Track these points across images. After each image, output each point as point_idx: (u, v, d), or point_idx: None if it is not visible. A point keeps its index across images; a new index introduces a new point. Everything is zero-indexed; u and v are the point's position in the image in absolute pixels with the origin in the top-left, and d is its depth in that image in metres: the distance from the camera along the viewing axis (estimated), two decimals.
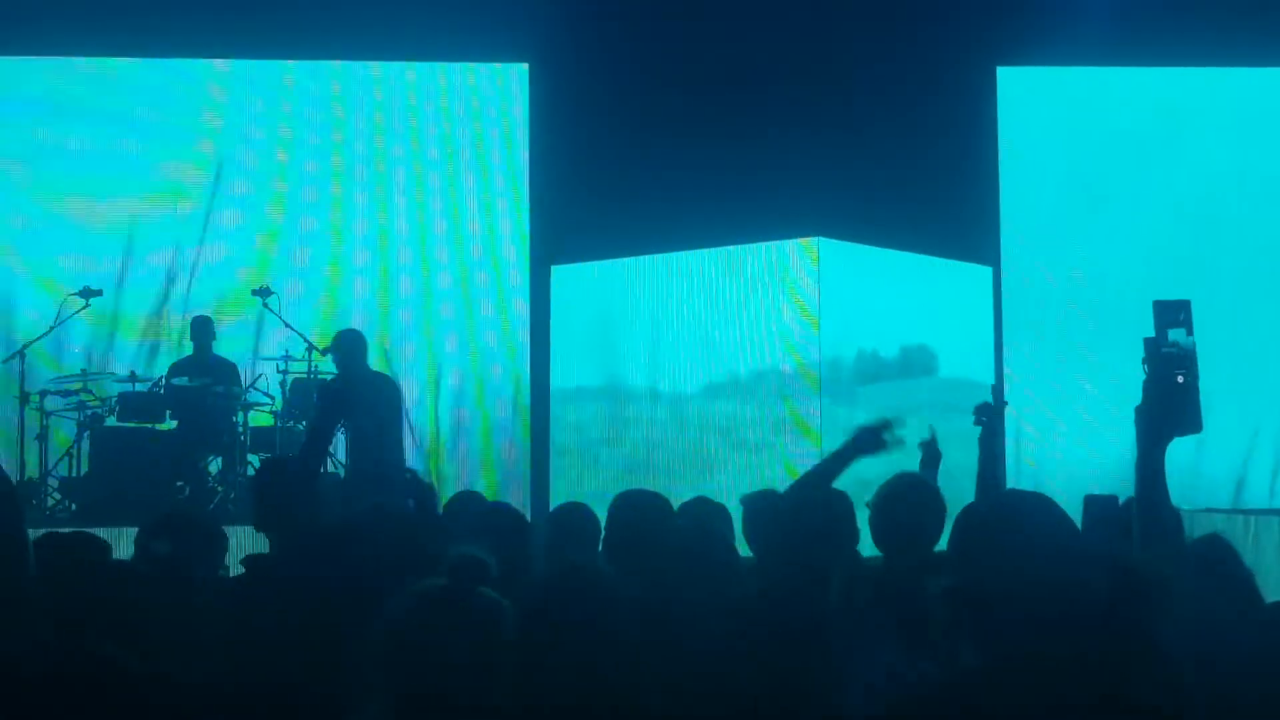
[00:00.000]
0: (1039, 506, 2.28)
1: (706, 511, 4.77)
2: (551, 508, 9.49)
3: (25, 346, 8.73)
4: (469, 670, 2.41)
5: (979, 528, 2.31)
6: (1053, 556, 2.20)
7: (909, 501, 3.96)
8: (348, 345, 7.96)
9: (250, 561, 4.25)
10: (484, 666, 2.42)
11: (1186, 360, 2.49)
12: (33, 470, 9.02)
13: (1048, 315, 10.26)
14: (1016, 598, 2.17)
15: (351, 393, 7.80)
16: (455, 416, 10.48)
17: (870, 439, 3.98)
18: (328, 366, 9.71)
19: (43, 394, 9.02)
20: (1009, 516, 2.30)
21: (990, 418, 5.08)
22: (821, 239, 8.82)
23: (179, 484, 9.12)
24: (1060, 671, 2.13)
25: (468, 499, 5.32)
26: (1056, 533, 2.25)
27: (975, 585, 2.22)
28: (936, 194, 9.67)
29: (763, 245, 9.09)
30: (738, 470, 8.72)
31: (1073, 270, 10.27)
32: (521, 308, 10.42)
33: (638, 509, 4.41)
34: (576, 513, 4.62)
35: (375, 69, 10.59)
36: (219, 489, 9.27)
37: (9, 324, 9.96)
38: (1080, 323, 10.11)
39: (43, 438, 8.91)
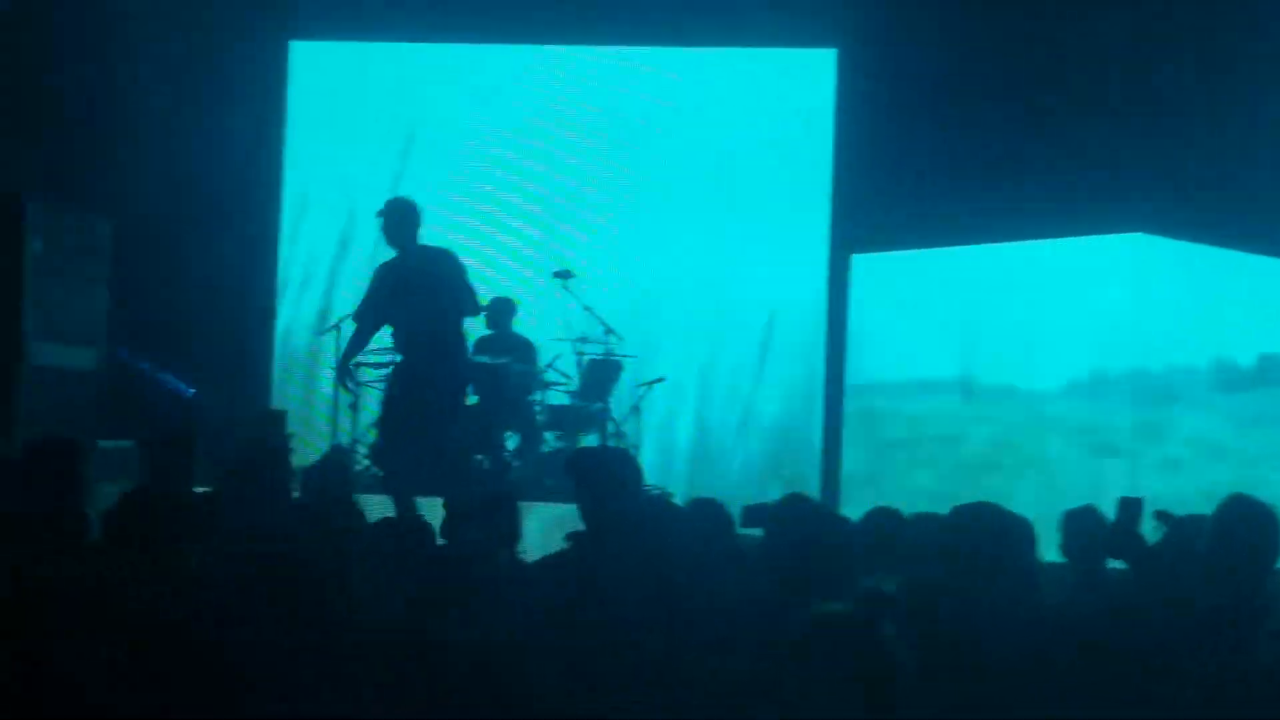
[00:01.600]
0: None
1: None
2: (842, 500, 9.57)
3: (341, 320, 9.13)
4: (863, 695, 2.41)
5: None
6: None
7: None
8: (399, 216, 7.61)
9: (574, 539, 4.41)
10: (879, 694, 2.41)
11: None
12: (345, 438, 9.48)
13: None
14: None
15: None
16: (748, 407, 10.56)
17: None
18: (623, 350, 9.98)
19: (357, 365, 9.44)
20: None
21: None
22: (1141, 234, 8.57)
23: (478, 457, 9.44)
24: None
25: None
26: None
27: None
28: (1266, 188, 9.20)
29: (1079, 240, 8.87)
30: (1068, 474, 8.45)
31: None
32: (820, 296, 10.43)
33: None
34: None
35: (679, 55, 10.74)
36: (515, 464, 9.57)
37: (327, 298, 10.56)
38: None
39: (355, 407, 9.34)
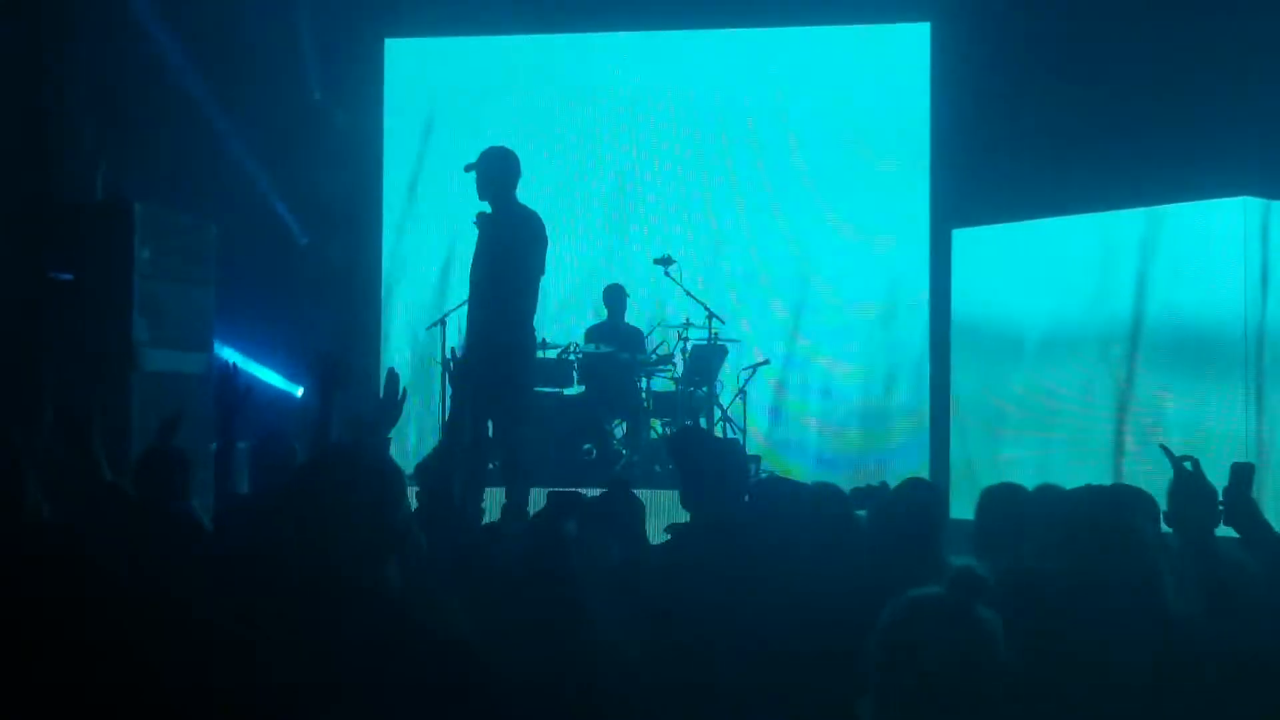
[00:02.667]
0: None
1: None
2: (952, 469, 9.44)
3: (446, 315, 9.14)
4: (957, 682, 2.35)
5: None
6: None
7: None
8: (498, 168, 7.04)
9: (674, 530, 4.34)
10: (973, 680, 2.36)
11: None
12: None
13: None
14: None
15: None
16: (851, 377, 10.49)
17: None
18: (727, 333, 9.90)
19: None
20: None
21: None
22: (1249, 199, 8.33)
23: (586, 446, 9.42)
24: None
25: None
26: None
27: None
28: None
29: (1181, 206, 8.66)
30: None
31: None
32: (923, 273, 10.30)
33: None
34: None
35: (776, 35, 10.65)
36: (624, 451, 9.53)
37: (440, 293, 10.57)
38: None
39: None
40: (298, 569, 3.13)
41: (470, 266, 7.30)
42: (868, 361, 10.46)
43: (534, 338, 7.50)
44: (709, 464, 4.56)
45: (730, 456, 4.69)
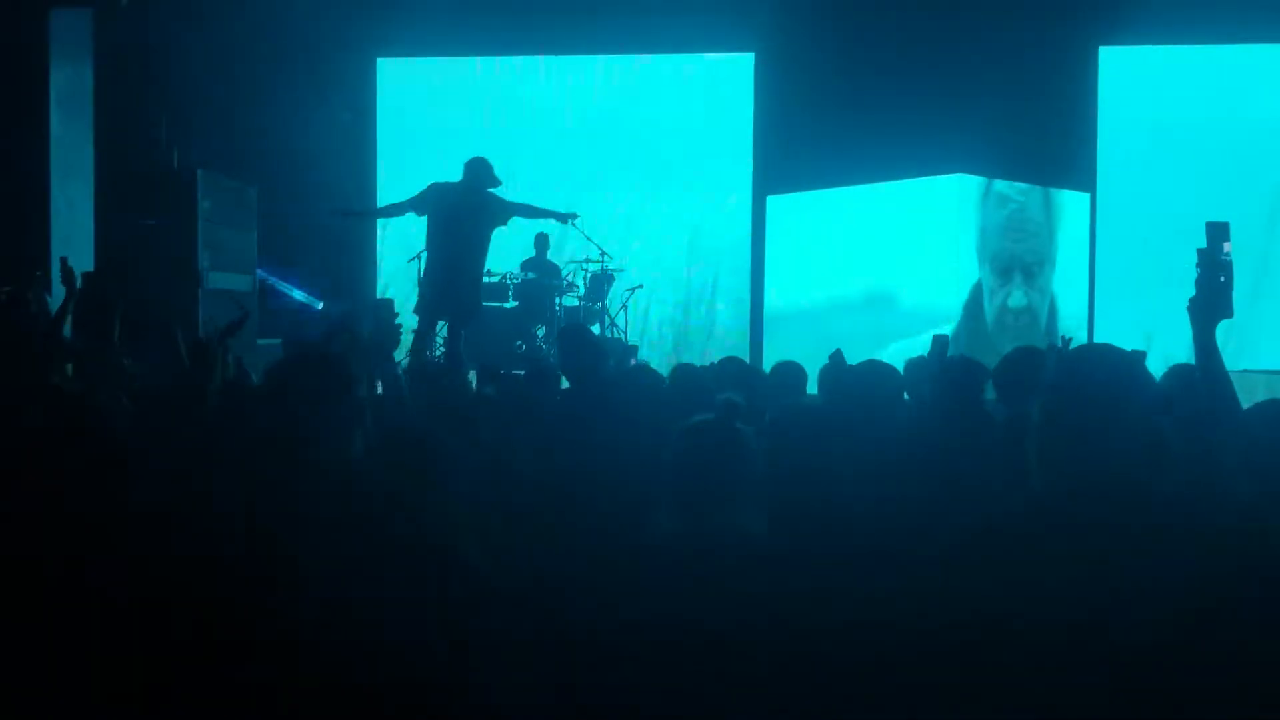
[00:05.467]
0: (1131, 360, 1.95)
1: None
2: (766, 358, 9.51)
3: (420, 254, 9.03)
4: (727, 481, 2.28)
5: (1077, 368, 1.97)
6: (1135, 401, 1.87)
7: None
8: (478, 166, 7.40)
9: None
10: (738, 479, 2.28)
11: (1227, 267, 2.37)
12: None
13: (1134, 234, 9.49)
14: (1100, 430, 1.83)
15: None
16: (699, 295, 10.49)
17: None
18: (613, 266, 9.89)
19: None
20: (1101, 362, 1.94)
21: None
22: (963, 175, 8.46)
23: (518, 343, 9.41)
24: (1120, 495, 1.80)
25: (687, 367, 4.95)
26: (1142, 382, 1.91)
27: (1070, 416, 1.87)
28: (1049, 139, 9.04)
29: (920, 180, 8.78)
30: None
31: (1151, 201, 9.49)
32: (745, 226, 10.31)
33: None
34: (790, 367, 4.55)
35: (654, 61, 10.47)
36: (544, 347, 9.53)
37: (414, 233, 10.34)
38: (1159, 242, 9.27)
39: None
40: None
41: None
42: (711, 285, 10.47)
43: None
44: (580, 346, 4.52)
45: (596, 344, 4.64)
